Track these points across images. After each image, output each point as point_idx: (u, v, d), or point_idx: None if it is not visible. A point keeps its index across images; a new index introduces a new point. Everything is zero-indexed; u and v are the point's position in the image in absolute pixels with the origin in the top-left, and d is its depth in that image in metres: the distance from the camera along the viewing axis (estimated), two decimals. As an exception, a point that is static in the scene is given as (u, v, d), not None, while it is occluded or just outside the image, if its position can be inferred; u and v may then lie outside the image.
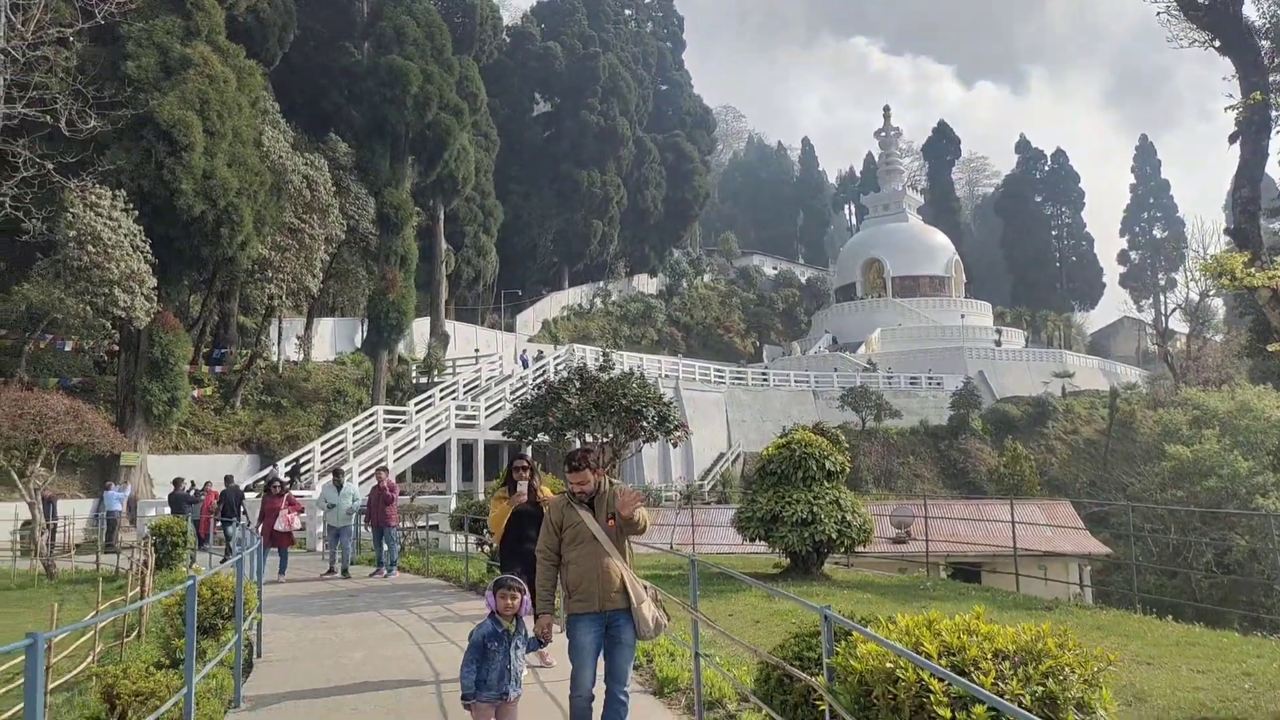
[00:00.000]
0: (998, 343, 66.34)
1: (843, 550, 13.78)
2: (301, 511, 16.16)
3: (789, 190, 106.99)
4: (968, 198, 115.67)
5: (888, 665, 3.15)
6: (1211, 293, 61.94)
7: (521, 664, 4.99)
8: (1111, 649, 8.34)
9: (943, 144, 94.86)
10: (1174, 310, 71.92)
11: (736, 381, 51.63)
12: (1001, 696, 2.93)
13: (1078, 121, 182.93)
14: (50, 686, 7.45)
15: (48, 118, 24.01)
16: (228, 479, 21.21)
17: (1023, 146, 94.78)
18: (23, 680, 6.25)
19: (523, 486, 7.68)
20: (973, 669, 3.05)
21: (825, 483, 13.50)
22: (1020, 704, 2.90)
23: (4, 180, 24.41)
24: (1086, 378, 63.05)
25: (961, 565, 22.64)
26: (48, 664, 6.47)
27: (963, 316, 69.52)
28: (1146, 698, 6.57)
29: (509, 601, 4.92)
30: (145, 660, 7.07)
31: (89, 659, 8.78)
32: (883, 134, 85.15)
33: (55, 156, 24.26)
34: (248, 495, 21.16)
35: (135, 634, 10.06)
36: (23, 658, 5.28)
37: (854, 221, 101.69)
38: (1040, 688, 2.98)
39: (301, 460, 28.96)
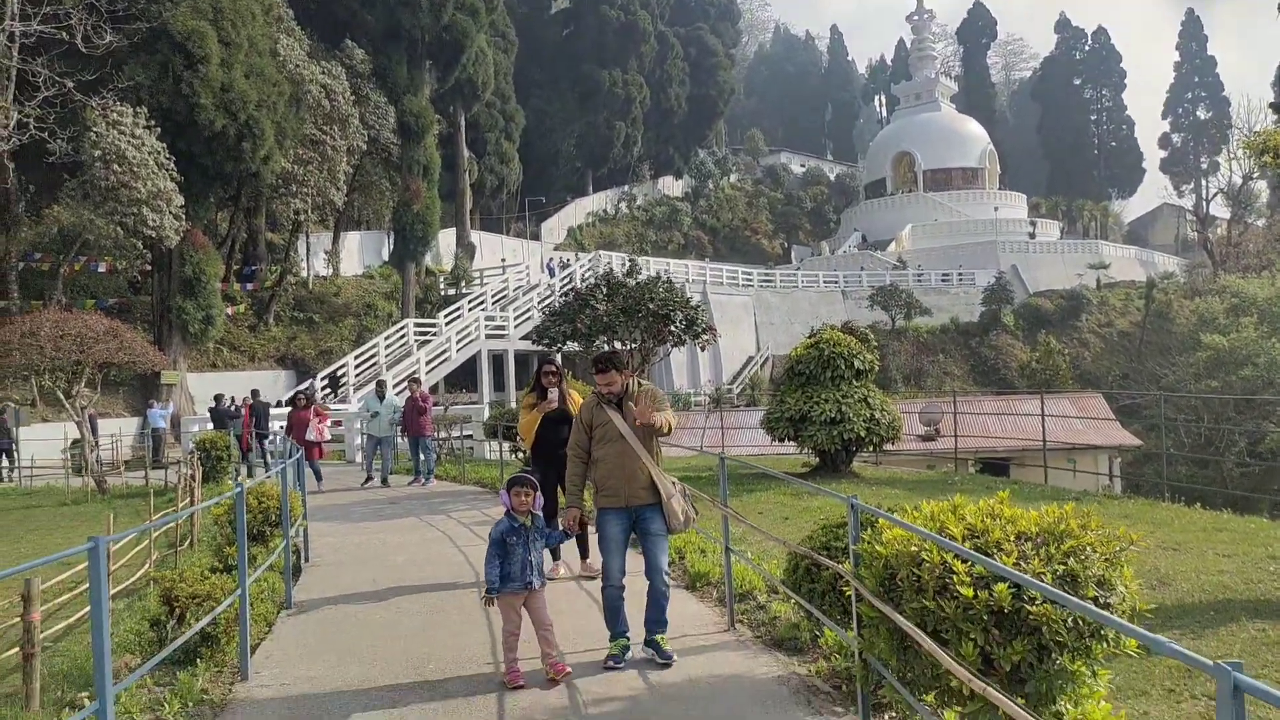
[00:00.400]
0: (1032, 235, 64.99)
1: (871, 448, 13.88)
2: (329, 423, 16.48)
3: (817, 83, 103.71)
4: (1004, 83, 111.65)
5: (912, 548, 3.23)
6: (1255, 175, 59.98)
7: (541, 556, 5.18)
8: (1140, 536, 8.44)
9: (978, 26, 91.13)
10: (1215, 195, 69.96)
11: (764, 284, 51.29)
12: (1024, 575, 3.00)
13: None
14: (111, 593, 7.83)
15: (64, 34, 23.76)
16: (254, 393, 21.80)
17: (1062, 25, 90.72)
18: (86, 586, 6.59)
19: (553, 393, 7.74)
20: (995, 550, 3.11)
21: (854, 381, 13.52)
22: (1041, 581, 2.96)
23: (26, 101, 24.35)
24: (1123, 268, 61.85)
25: (990, 460, 22.76)
26: (108, 570, 6.79)
27: (996, 209, 68.05)
28: (1170, 581, 6.67)
29: (522, 499, 5.11)
30: (199, 567, 7.39)
31: (146, 566, 9.19)
32: (915, 18, 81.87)
33: (74, 74, 24.10)
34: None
35: (188, 543, 10.49)
36: (85, 565, 5.55)
37: (884, 114, 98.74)
38: (1062, 566, 3.04)
39: (338, 373, 29.54)
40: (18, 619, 5.43)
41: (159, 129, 24.57)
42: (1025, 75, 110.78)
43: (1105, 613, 2.17)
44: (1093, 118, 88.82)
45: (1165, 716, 4.21)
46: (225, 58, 25.81)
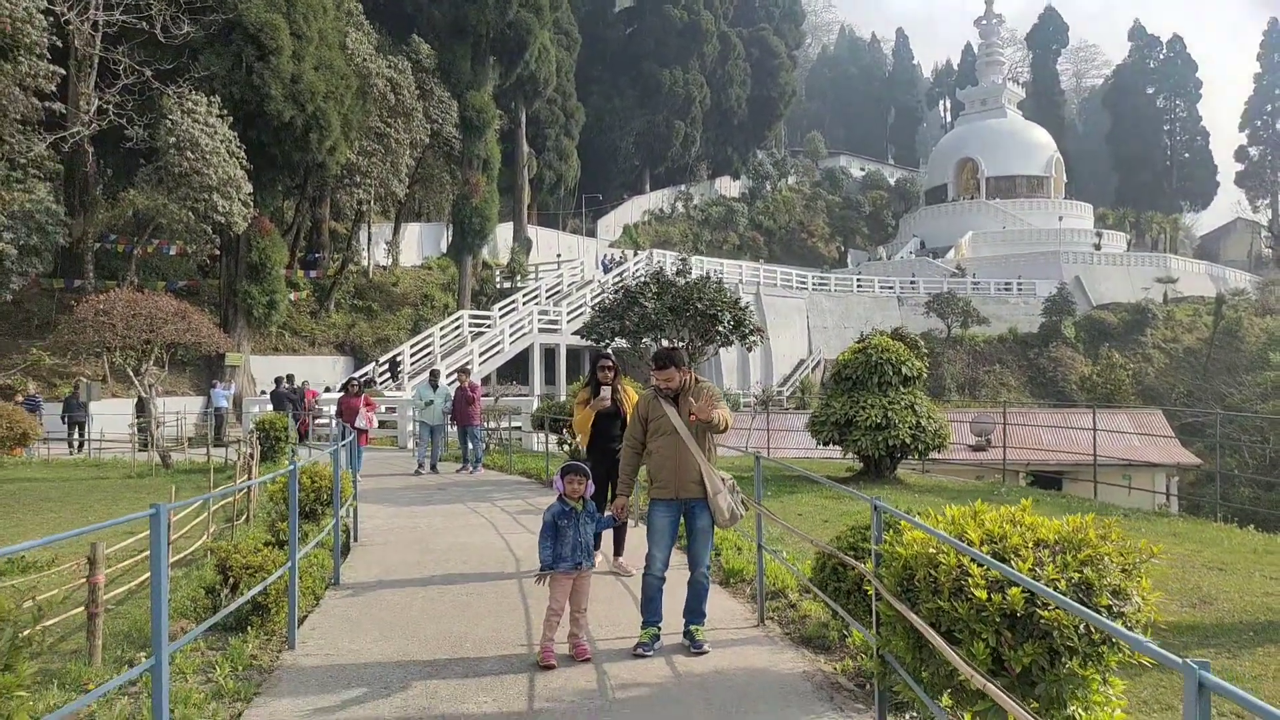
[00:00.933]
0: (1097, 246, 63.40)
1: (916, 455, 13.80)
2: (376, 411, 16.87)
3: (880, 86, 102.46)
4: (1073, 91, 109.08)
5: (930, 550, 3.30)
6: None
7: (590, 539, 5.38)
8: (1185, 554, 8.33)
9: (1049, 31, 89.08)
10: (1293, 211, 67.36)
11: (819, 287, 50.94)
12: (1037, 581, 3.06)
13: (1201, 2, 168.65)
14: (170, 560, 8.20)
15: (144, 24, 24.68)
16: (290, 378, 22.74)
17: (1137, 33, 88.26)
18: (148, 553, 6.94)
19: (605, 391, 7.87)
20: (1013, 556, 3.17)
21: (901, 388, 13.46)
22: (1055, 588, 3.02)
23: (107, 88, 25.36)
24: (1192, 283, 60.06)
25: (1042, 473, 22.39)
26: (169, 540, 7.14)
27: (1060, 219, 66.55)
28: (1212, 600, 6.59)
29: (575, 486, 5.34)
30: (254, 540, 7.71)
31: (204, 538, 9.58)
32: (983, 22, 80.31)
33: (153, 63, 25.03)
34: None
35: (244, 518, 10.89)
36: (147, 533, 5.86)
37: (948, 119, 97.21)
38: (1077, 575, 3.09)
39: (398, 358, 30.26)
40: (84, 581, 5.76)
41: (230, 118, 25.37)
42: (1096, 83, 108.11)
43: (1090, 612, 2.24)
44: (1165, 128, 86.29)
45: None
46: (296, 50, 26.53)
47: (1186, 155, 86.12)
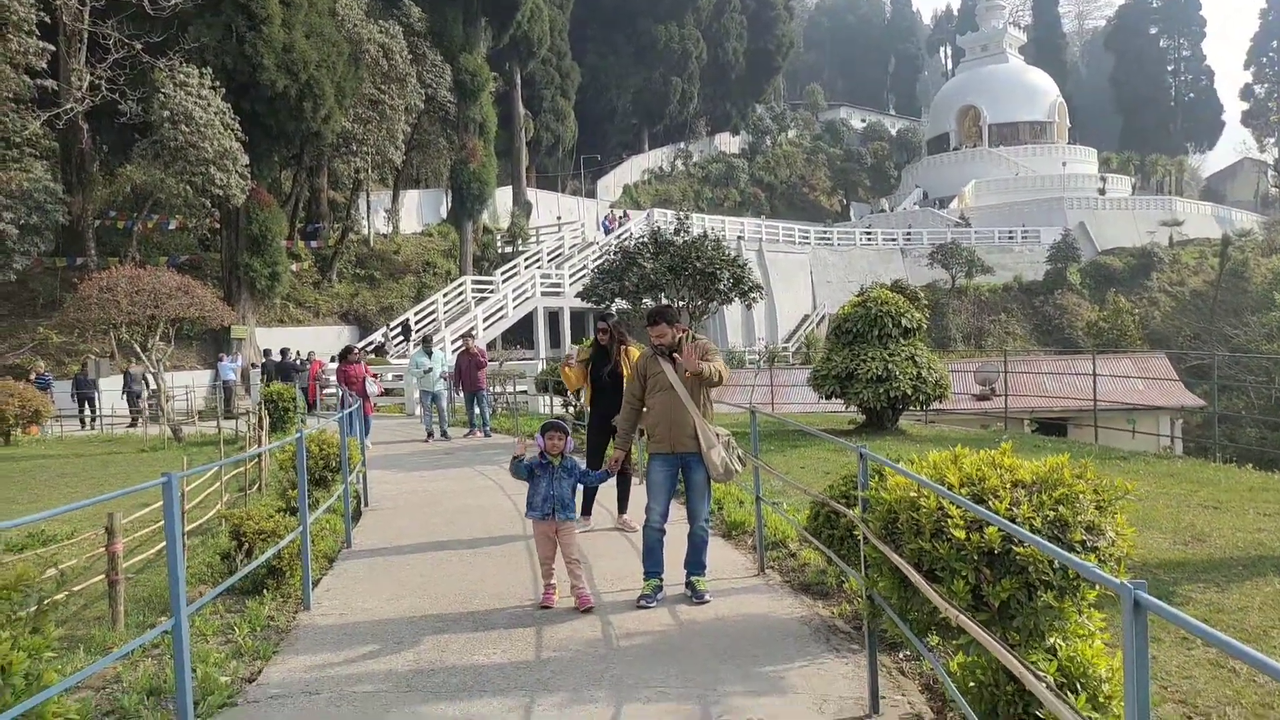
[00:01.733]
0: (1101, 191, 62.88)
1: (918, 406, 13.93)
2: (379, 379, 16.95)
3: (879, 34, 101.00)
4: (1076, 33, 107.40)
5: (912, 494, 3.43)
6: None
7: (566, 493, 5.64)
8: (1181, 494, 8.47)
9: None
10: (1300, 149, 66.62)
11: (821, 241, 50.76)
12: (1014, 520, 3.18)
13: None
14: (185, 529, 8.40)
15: (131, -3, 24.48)
16: (284, 352, 23.09)
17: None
18: (162, 523, 7.13)
19: (571, 354, 8.00)
20: (990, 496, 3.29)
21: (901, 340, 13.55)
22: (1030, 525, 3.14)
23: (98, 63, 25.22)
24: (1198, 225, 59.63)
25: (1047, 420, 22.52)
26: (182, 510, 7.31)
27: (1064, 164, 65.91)
28: (1205, 537, 6.72)
29: (554, 442, 5.64)
30: (266, 507, 7.89)
31: (218, 507, 9.79)
32: (983, -34, 78.94)
33: (142, 36, 24.85)
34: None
35: (256, 487, 11.10)
36: (162, 503, 6.03)
37: (950, 66, 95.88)
38: (1052, 513, 3.21)
39: (410, 322, 30.58)
40: (103, 550, 5.94)
41: (224, 89, 25.25)
42: (1099, 24, 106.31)
43: (1047, 544, 2.36)
44: (1170, 69, 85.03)
45: (1172, 661, 4.36)
46: (286, 18, 26.31)
47: (1191, 96, 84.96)
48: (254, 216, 28.10)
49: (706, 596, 5.56)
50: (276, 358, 24.11)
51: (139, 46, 24.72)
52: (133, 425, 21.80)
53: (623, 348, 8.13)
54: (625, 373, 7.81)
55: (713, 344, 6.00)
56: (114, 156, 31.85)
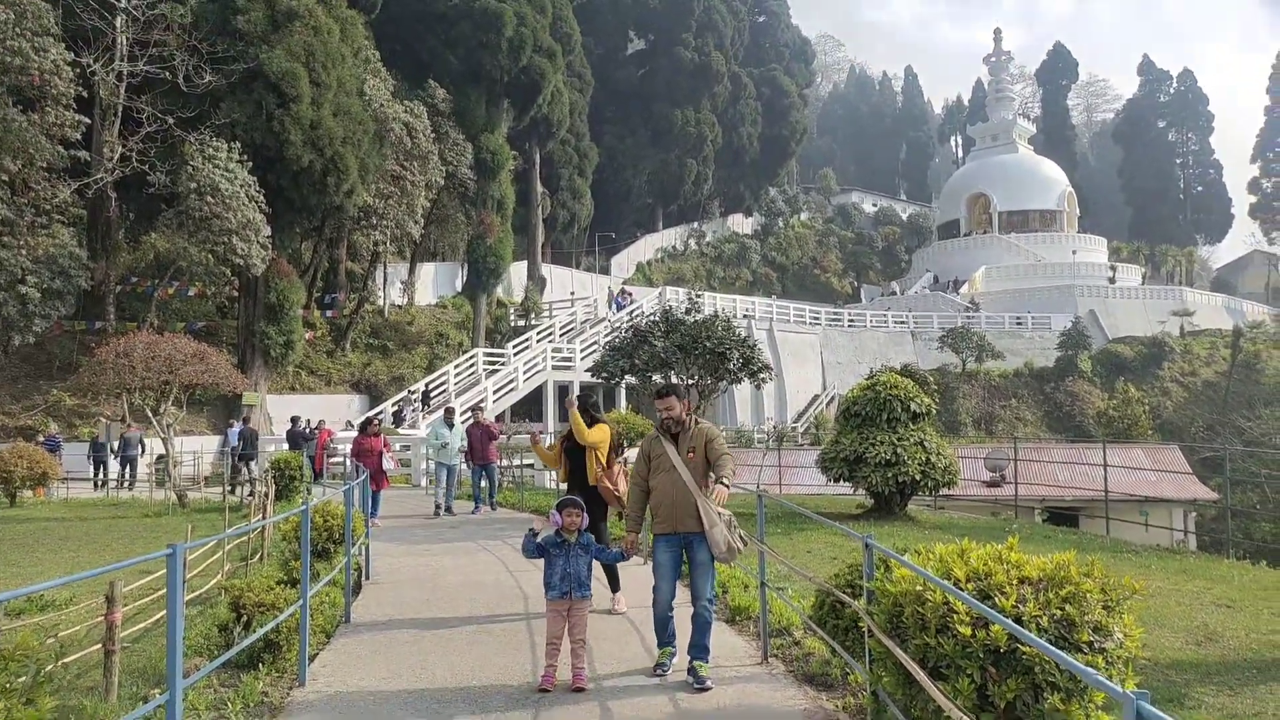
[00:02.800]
0: (1111, 280, 63.29)
1: (927, 491, 13.82)
2: (391, 450, 16.65)
3: (891, 123, 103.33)
4: (1084, 125, 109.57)
5: (917, 588, 3.40)
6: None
7: (585, 570, 5.64)
8: (1194, 591, 8.31)
9: (1058, 67, 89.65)
10: (1310, 243, 67.09)
11: (832, 323, 51.03)
12: (1019, 619, 3.15)
13: (1212, 32, 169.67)
14: (185, 599, 8.34)
15: (167, 74, 25.36)
16: (292, 419, 23.29)
17: (1146, 68, 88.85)
18: (163, 592, 7.07)
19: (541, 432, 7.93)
20: (997, 593, 3.26)
21: (910, 424, 13.52)
22: (1036, 625, 3.11)
23: (130, 136, 26.00)
24: (1208, 316, 59.76)
25: (1058, 510, 22.22)
26: (184, 580, 7.28)
27: (1074, 253, 66.54)
28: (1218, 637, 6.59)
29: (572, 519, 5.64)
30: (267, 579, 7.83)
31: (218, 577, 9.71)
32: (992, 59, 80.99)
33: (175, 111, 25.66)
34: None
35: (258, 557, 11.02)
36: (163, 573, 5.98)
37: (960, 154, 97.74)
38: (1059, 611, 3.17)
39: (429, 388, 30.77)
40: (101, 618, 5.89)
41: (250, 163, 25.92)
42: (1108, 117, 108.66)
43: (1046, 645, 2.33)
44: (1178, 161, 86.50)
45: (1185, 769, 4.23)
46: (315, 97, 27.15)
47: (1200, 188, 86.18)
48: (273, 285, 28.54)
49: (708, 683, 5.48)
50: (303, 427, 24.16)
51: (171, 121, 25.50)
52: (119, 488, 21.86)
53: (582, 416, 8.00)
54: (590, 438, 7.74)
55: (716, 430, 6.07)
56: (139, 224, 32.54)
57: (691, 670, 5.58)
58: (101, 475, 22.76)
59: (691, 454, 5.79)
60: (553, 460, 8.53)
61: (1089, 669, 1.93)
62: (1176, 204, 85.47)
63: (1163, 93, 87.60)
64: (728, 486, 5.72)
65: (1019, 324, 54.64)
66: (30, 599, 8.33)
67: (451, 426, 15.76)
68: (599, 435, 7.82)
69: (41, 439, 22.16)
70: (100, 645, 5.80)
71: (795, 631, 6.68)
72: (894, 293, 67.26)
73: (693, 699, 5.30)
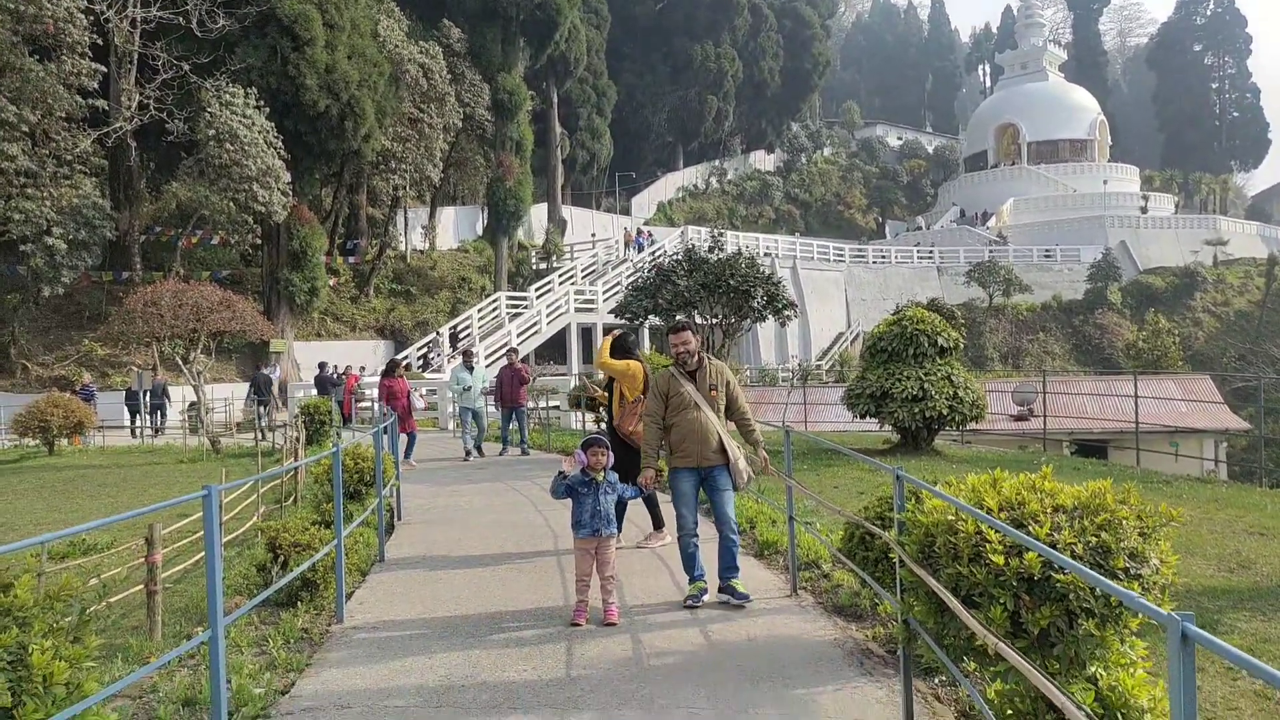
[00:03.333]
0: (1143, 209, 61.94)
1: (954, 426, 13.76)
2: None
3: (917, 53, 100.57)
4: (1117, 51, 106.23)
5: (949, 518, 3.38)
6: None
7: (612, 508, 5.73)
8: (1226, 520, 8.27)
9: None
10: (1351, 168, 65.05)
11: (856, 259, 50.49)
12: (1054, 546, 3.12)
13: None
14: (223, 541, 8.52)
15: (180, 19, 25.11)
16: (320, 364, 23.50)
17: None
18: (201, 534, 7.24)
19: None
20: (1030, 521, 3.24)
21: (937, 359, 13.41)
22: (1071, 552, 3.08)
23: (147, 83, 25.88)
24: (1243, 245, 58.50)
25: (1087, 442, 22.11)
26: (220, 522, 7.43)
27: (1105, 182, 65.06)
28: (1251, 565, 6.55)
29: (598, 458, 5.70)
30: (302, 520, 7.97)
31: (254, 519, 9.91)
32: (1022, -16, 78.45)
33: (190, 58, 25.48)
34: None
35: (292, 500, 11.22)
36: (200, 515, 6.11)
37: (988, 84, 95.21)
38: (1094, 539, 3.14)
39: (458, 329, 30.96)
40: (142, 560, 6.03)
41: (267, 109, 25.77)
42: (1141, 42, 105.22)
43: (1089, 571, 2.30)
44: (1214, 86, 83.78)
45: (1217, 692, 4.24)
46: (329, 40, 26.83)
47: (1236, 113, 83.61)
48: (295, 232, 28.59)
49: (749, 596, 5.78)
50: (332, 371, 24.49)
51: (187, 67, 25.33)
52: (154, 435, 22.33)
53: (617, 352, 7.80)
54: (610, 364, 7.63)
55: (728, 369, 6.16)
56: (160, 174, 32.59)
57: (728, 589, 5.81)
58: (136, 423, 23.19)
59: (714, 391, 6.03)
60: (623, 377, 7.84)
61: (1131, 593, 1.90)
62: (1212, 130, 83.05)
63: (1199, 14, 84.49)
64: (766, 455, 6.14)
65: (1048, 257, 53.78)
66: (73, 542, 8.55)
67: (471, 370, 15.67)
68: (619, 365, 7.59)
69: (77, 388, 22.56)
70: (142, 585, 5.95)
71: (823, 565, 6.72)
72: (919, 228, 66.25)
73: (724, 630, 5.36)
